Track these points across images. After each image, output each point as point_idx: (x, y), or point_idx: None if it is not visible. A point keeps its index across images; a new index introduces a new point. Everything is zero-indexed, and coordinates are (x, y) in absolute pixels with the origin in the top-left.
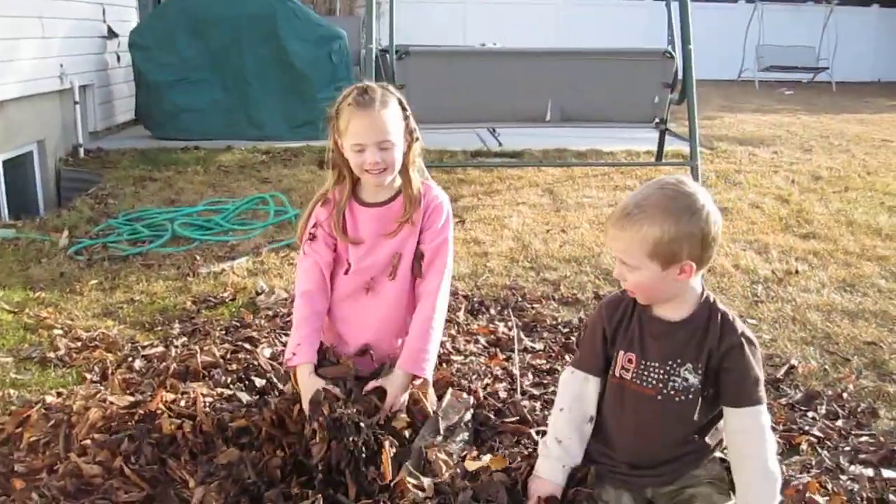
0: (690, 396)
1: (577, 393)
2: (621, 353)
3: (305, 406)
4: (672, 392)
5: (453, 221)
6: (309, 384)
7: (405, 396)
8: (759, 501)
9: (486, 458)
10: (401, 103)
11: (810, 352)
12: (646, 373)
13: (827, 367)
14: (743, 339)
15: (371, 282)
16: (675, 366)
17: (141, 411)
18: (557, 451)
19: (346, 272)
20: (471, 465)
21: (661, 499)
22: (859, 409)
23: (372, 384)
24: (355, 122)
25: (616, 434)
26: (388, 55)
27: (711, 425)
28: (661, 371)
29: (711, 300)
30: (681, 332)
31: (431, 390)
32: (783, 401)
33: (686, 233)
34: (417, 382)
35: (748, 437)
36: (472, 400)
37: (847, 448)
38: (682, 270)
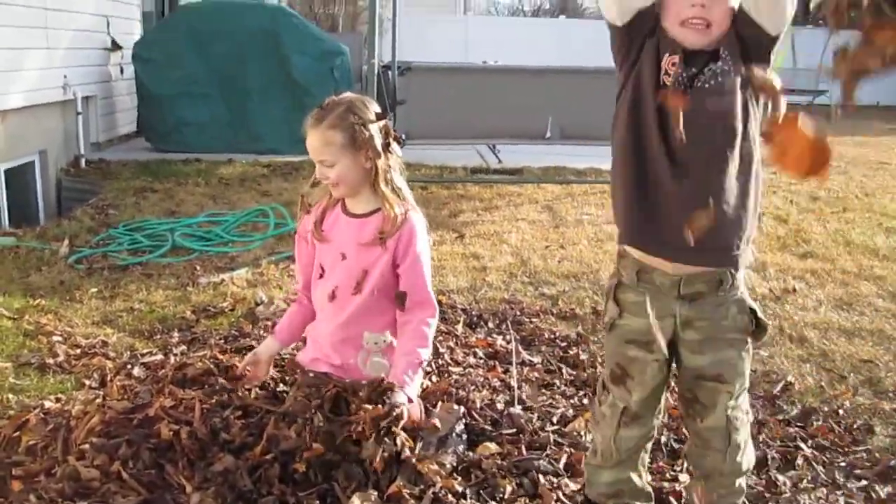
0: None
1: None
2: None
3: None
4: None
5: (430, 241)
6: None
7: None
8: None
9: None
10: (362, 120)
11: (807, 369)
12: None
13: (823, 384)
14: None
15: (336, 291)
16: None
17: (139, 416)
18: None
19: (321, 276)
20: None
21: (687, 329)
22: (855, 426)
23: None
24: (308, 138)
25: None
26: (389, 71)
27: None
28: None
29: None
30: None
31: None
32: (779, 417)
33: None
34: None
35: None
36: (462, 410)
37: (843, 464)
38: None
